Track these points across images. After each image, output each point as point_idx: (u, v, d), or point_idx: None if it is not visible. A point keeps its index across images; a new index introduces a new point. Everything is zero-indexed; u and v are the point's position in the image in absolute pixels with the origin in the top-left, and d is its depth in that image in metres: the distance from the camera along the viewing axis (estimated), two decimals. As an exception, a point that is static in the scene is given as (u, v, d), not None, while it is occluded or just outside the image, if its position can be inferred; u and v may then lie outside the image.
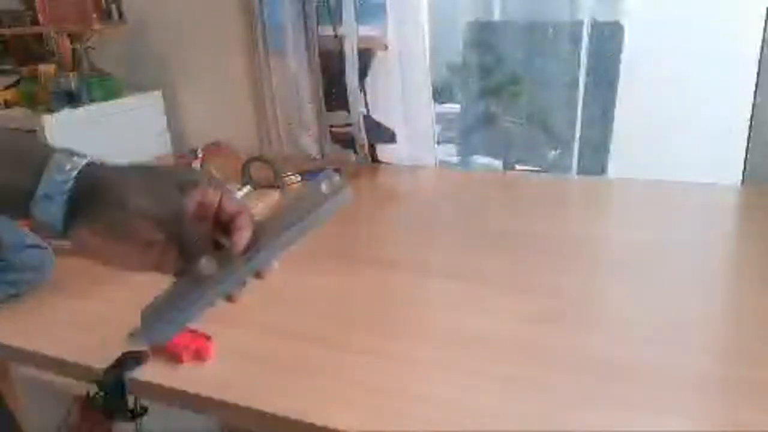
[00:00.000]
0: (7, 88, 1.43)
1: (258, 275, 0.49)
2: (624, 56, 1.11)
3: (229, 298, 0.50)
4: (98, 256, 0.49)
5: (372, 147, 1.22)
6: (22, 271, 0.67)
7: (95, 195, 0.46)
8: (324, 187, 0.52)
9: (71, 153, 0.46)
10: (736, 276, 0.73)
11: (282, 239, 0.51)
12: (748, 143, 0.96)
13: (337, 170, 1.23)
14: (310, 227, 0.51)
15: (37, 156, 0.46)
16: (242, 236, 0.49)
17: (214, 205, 0.51)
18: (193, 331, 0.61)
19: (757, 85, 0.93)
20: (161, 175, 0.50)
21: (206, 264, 0.49)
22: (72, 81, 1.30)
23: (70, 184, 0.46)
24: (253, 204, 0.98)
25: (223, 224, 0.51)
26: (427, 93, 1.14)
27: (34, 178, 0.45)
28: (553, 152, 1.36)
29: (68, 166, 0.46)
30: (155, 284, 0.79)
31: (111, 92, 1.38)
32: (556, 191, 1.06)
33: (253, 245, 0.50)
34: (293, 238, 0.51)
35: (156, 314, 0.52)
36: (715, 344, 0.59)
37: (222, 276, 0.49)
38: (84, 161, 0.46)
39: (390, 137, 1.19)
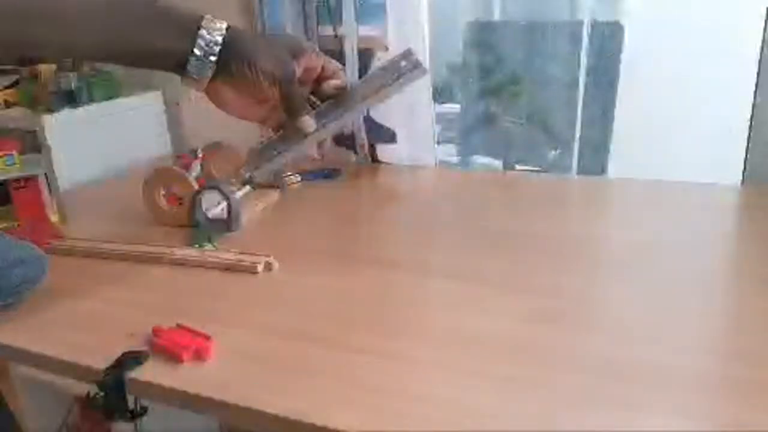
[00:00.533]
0: (7, 88, 1.43)
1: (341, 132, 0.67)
2: (624, 56, 1.11)
3: (318, 148, 0.64)
4: (226, 106, 0.59)
5: (372, 147, 1.22)
6: (16, 285, 0.67)
7: (233, 56, 0.55)
8: (403, 63, 0.63)
9: (213, 18, 0.55)
10: (736, 276, 0.73)
11: (364, 104, 0.64)
12: (748, 143, 0.96)
13: (336, 170, 1.25)
14: (387, 96, 0.63)
15: (188, 21, 0.55)
16: (343, 82, 0.62)
17: (318, 69, 0.62)
18: (193, 331, 0.61)
19: (757, 85, 0.93)
20: (278, 42, 0.59)
21: (308, 120, 0.61)
22: (72, 81, 1.30)
23: (218, 48, 0.54)
24: (253, 204, 0.98)
25: (321, 83, 0.62)
26: (427, 93, 1.14)
27: (189, 42, 0.54)
28: (553, 152, 1.36)
29: (216, 32, 0.55)
30: (153, 286, 0.80)
31: (111, 92, 1.38)
32: (556, 191, 1.06)
33: (341, 106, 0.62)
34: (373, 104, 0.65)
35: (260, 154, 0.65)
36: (715, 344, 0.59)
37: (315, 130, 0.62)
38: (225, 25, 0.55)
39: (390, 137, 1.19)
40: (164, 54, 0.55)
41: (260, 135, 0.73)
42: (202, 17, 0.55)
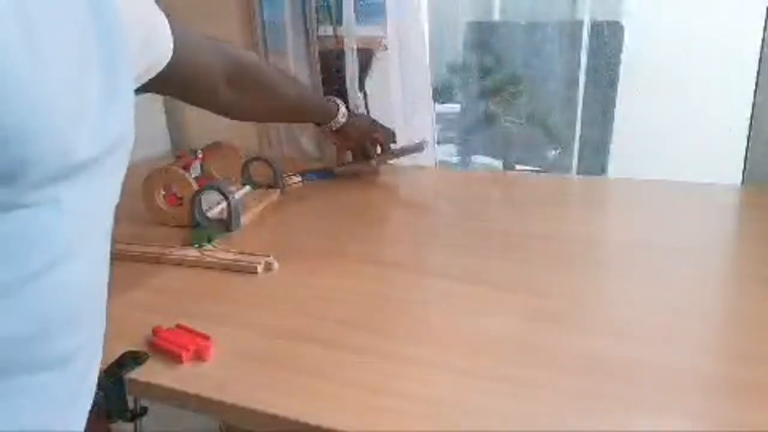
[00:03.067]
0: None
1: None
2: (624, 56, 1.12)
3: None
4: (332, 140, 1.12)
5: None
6: None
7: (343, 125, 1.05)
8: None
9: (339, 106, 1.05)
10: (736, 276, 0.73)
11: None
12: (748, 143, 0.96)
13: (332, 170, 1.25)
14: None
15: (332, 111, 1.04)
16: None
17: (372, 139, 1.11)
18: (192, 331, 0.61)
19: (757, 85, 0.93)
20: (361, 121, 1.11)
21: (373, 162, 1.11)
22: (72, 81, 1.30)
23: (340, 125, 1.05)
24: (252, 204, 0.98)
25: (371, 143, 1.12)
26: (427, 93, 1.14)
27: (328, 120, 1.04)
28: (553, 152, 1.36)
29: (341, 116, 1.04)
30: (153, 286, 0.79)
31: (111, 92, 1.37)
32: (556, 191, 1.06)
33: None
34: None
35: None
36: (715, 344, 0.59)
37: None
38: (344, 114, 1.05)
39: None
40: (314, 121, 1.07)
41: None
42: (338, 109, 1.04)
